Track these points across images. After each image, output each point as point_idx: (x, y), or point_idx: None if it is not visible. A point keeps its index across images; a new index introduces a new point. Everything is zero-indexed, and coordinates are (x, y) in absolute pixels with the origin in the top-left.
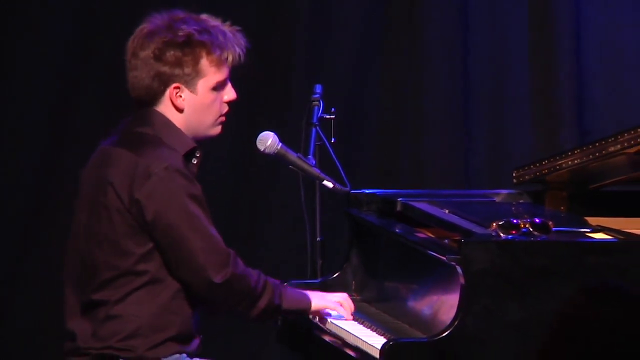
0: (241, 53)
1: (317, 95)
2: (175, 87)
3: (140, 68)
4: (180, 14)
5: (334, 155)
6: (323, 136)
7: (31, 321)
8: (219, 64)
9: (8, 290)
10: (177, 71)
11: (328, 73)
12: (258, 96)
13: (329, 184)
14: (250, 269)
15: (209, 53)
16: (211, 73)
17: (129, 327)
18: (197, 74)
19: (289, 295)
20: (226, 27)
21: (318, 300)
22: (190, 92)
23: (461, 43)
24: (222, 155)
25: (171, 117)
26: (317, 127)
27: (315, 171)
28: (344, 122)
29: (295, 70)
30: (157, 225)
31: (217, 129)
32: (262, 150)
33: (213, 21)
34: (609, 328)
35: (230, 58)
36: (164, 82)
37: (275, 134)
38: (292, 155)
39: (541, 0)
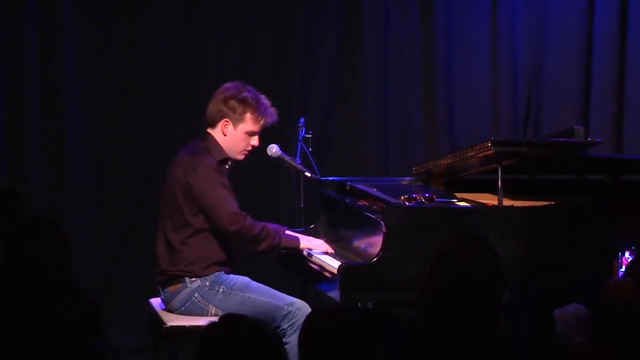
0: (271, 122)
1: (301, 124)
2: (225, 121)
3: (215, 104)
4: (250, 87)
5: (311, 159)
6: (305, 148)
7: (139, 258)
8: (255, 121)
9: (128, 237)
10: (230, 113)
11: (309, 110)
12: None
13: (308, 174)
14: (258, 223)
15: (252, 112)
16: (249, 123)
17: (189, 257)
18: (241, 120)
19: (286, 238)
20: (269, 105)
21: (306, 242)
22: (233, 128)
23: (384, 93)
24: (247, 158)
25: (218, 138)
26: (301, 142)
27: (301, 167)
28: (316, 140)
29: (289, 110)
30: (198, 198)
31: (241, 157)
32: (269, 154)
33: (265, 99)
34: (468, 259)
35: (263, 122)
36: (222, 115)
37: (278, 145)
38: (287, 158)
39: (428, 70)
